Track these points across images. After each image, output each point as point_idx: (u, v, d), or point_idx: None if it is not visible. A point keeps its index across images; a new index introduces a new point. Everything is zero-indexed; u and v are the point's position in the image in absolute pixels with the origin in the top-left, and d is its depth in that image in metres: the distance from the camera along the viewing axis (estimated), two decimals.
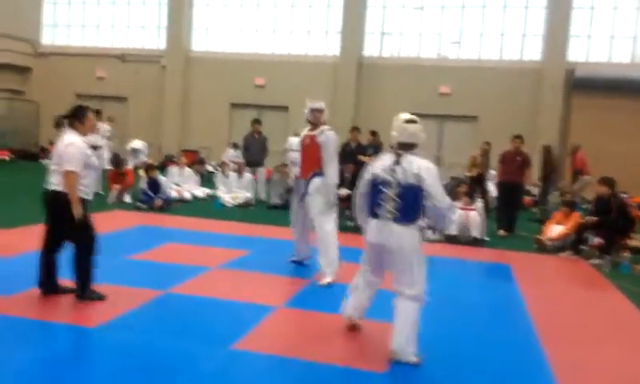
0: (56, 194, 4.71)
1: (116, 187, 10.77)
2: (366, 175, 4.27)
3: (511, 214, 9.86)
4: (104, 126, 14.88)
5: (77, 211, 4.64)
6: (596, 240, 8.52)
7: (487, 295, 6.14)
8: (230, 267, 6.47)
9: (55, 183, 4.74)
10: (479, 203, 9.50)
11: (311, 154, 6.09)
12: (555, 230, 8.85)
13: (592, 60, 17.06)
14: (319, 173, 6.04)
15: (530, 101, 16.83)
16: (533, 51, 17.48)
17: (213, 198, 11.77)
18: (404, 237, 4.02)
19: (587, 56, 17.17)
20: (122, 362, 3.80)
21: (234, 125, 19.21)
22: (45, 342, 4.04)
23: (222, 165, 13.08)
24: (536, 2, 17.38)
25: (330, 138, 6.05)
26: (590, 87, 16.35)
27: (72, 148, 4.71)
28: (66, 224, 4.69)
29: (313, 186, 6.04)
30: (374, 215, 4.13)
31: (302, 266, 6.55)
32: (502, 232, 9.65)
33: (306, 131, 6.28)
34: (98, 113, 16.18)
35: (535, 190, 14.79)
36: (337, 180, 6.10)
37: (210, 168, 16.58)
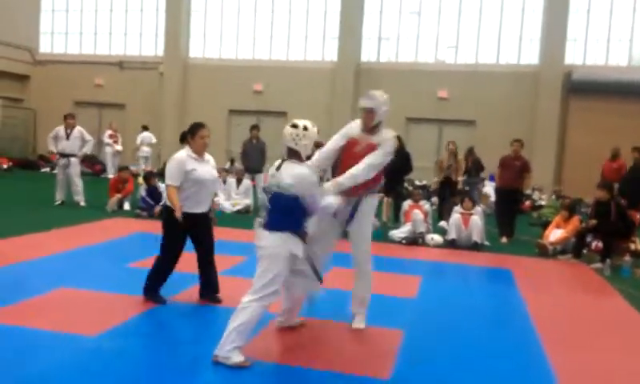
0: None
1: (116, 195, 10.76)
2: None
3: (511, 219, 9.84)
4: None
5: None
6: (596, 244, 8.55)
7: (489, 300, 6.13)
8: (230, 274, 6.43)
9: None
10: (479, 208, 9.50)
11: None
12: (556, 233, 8.84)
13: (589, 63, 17.10)
14: (373, 189, 4.72)
15: (528, 104, 16.86)
16: (530, 55, 17.53)
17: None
18: (269, 241, 3.90)
19: (584, 59, 17.21)
20: (122, 370, 3.78)
21: (232, 131, 19.21)
22: (44, 351, 4.01)
23: (220, 172, 13.06)
24: (532, 6, 17.44)
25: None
26: (587, 90, 16.40)
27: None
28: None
29: (366, 207, 4.67)
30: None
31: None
32: (504, 239, 9.60)
33: (357, 132, 4.70)
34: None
35: (536, 195, 14.82)
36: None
37: None
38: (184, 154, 5.08)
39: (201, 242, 5.25)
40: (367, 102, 4.65)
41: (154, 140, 17.67)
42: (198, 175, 5.02)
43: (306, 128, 3.98)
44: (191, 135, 5.11)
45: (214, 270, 5.37)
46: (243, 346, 3.86)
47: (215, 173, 5.35)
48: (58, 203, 10.87)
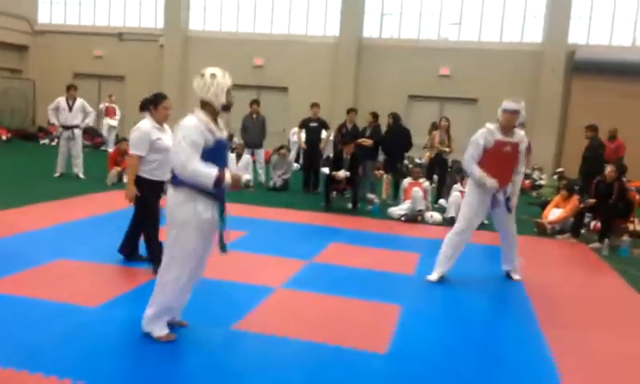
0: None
1: (115, 168, 10.73)
2: None
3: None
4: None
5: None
6: (595, 224, 8.56)
7: (487, 277, 6.16)
8: (229, 248, 6.45)
9: None
10: None
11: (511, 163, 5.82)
12: (555, 213, 8.86)
13: (592, 43, 16.95)
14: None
15: (530, 83, 16.74)
16: (533, 33, 17.36)
17: None
18: (170, 199, 3.69)
19: (588, 39, 17.06)
20: (123, 340, 3.82)
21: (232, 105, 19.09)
22: (45, 321, 4.04)
23: None
24: None
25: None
26: (590, 70, 16.27)
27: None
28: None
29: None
30: None
31: (300, 248, 6.54)
32: None
33: (499, 136, 5.72)
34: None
35: (536, 174, 14.81)
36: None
37: None
38: (148, 124, 5.22)
39: (156, 210, 5.31)
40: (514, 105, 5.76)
41: None
42: (163, 144, 5.14)
43: (214, 75, 3.74)
44: (154, 105, 5.26)
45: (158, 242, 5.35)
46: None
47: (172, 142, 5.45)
48: (57, 175, 10.86)
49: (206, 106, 3.70)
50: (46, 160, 11.99)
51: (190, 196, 3.61)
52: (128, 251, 5.61)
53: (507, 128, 5.69)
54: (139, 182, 5.19)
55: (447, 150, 10.84)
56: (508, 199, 5.77)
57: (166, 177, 5.10)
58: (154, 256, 5.15)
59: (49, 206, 8.05)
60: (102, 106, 16.81)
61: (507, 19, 17.55)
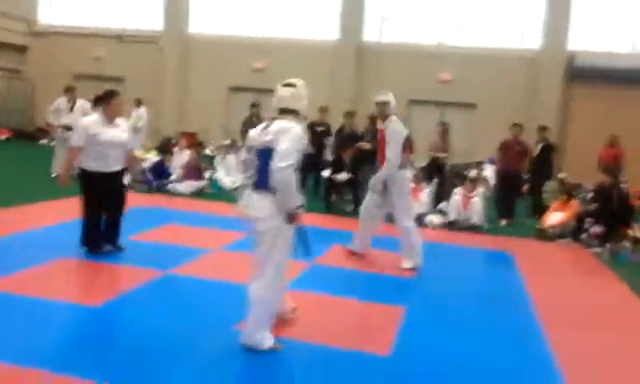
0: None
1: None
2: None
3: (511, 202, 9.86)
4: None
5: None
6: (595, 229, 8.56)
7: (488, 281, 6.16)
8: (231, 249, 6.46)
9: None
10: (480, 189, 9.49)
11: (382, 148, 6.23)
12: (555, 217, 8.87)
13: (592, 49, 17.00)
14: (402, 164, 6.22)
15: (529, 89, 16.78)
16: (533, 39, 17.41)
17: (212, 181, 11.71)
18: (259, 206, 3.65)
19: (587, 45, 17.10)
20: (123, 341, 3.79)
21: (232, 108, 19.09)
22: (47, 320, 4.02)
23: (220, 149, 13.07)
24: None
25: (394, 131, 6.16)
26: (589, 76, 16.30)
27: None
28: None
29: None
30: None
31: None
32: (504, 222, 9.61)
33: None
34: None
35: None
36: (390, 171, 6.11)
37: (208, 151, 16.49)
38: (93, 118, 5.57)
39: (108, 200, 5.64)
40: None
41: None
42: (102, 138, 5.42)
43: (304, 87, 3.89)
44: (107, 101, 5.51)
45: (118, 228, 5.79)
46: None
47: (125, 136, 5.69)
48: (54, 175, 10.82)
49: (291, 114, 3.75)
50: (45, 160, 11.95)
51: (273, 201, 3.64)
52: (88, 244, 5.66)
53: (380, 117, 6.40)
54: (81, 172, 5.53)
55: (443, 155, 10.94)
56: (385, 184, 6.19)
57: (108, 169, 5.50)
58: (87, 239, 5.54)
59: (49, 205, 8.01)
60: (136, 115, 16.17)
61: (507, 25, 17.60)
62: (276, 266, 3.71)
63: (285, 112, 3.79)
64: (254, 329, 3.72)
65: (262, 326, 3.73)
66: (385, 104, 6.22)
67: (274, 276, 3.71)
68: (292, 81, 3.89)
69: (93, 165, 5.47)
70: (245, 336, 3.75)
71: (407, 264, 6.11)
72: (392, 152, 6.03)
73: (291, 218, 3.67)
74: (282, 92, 3.84)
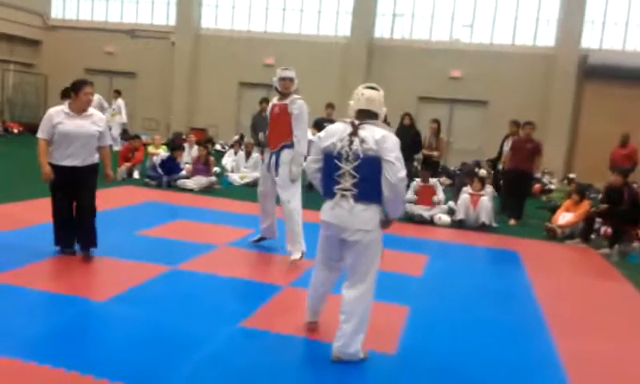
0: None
1: (125, 164, 10.80)
2: (316, 149, 3.77)
3: (520, 202, 9.78)
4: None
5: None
6: (605, 229, 8.50)
7: (496, 280, 6.12)
8: (238, 245, 6.48)
9: None
10: (489, 189, 9.44)
11: (281, 125, 5.85)
12: (565, 217, 8.80)
13: (606, 47, 16.83)
14: (289, 144, 5.84)
15: (542, 87, 16.66)
16: (546, 37, 17.27)
17: (221, 177, 11.75)
18: (364, 218, 3.58)
19: (601, 43, 16.94)
20: (129, 335, 3.81)
21: (242, 104, 19.14)
22: (53, 314, 4.06)
23: (234, 145, 13.13)
24: None
25: (303, 108, 5.84)
26: (603, 75, 16.15)
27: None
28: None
29: (283, 158, 5.85)
30: (331, 194, 3.66)
31: (308, 246, 6.52)
32: (512, 221, 9.53)
33: (274, 100, 6.07)
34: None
35: (546, 178, 14.72)
36: (305, 152, 5.70)
37: (218, 147, 16.55)
38: (58, 108, 5.25)
39: (75, 196, 5.30)
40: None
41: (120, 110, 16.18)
42: (65, 130, 5.10)
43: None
44: (75, 92, 5.21)
45: (87, 230, 5.33)
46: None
47: (95, 128, 5.29)
48: None
49: (375, 117, 3.64)
50: None
51: (377, 212, 3.61)
52: (58, 243, 5.41)
53: (283, 94, 6.01)
54: (50, 167, 5.18)
55: (434, 154, 10.95)
56: (277, 164, 5.89)
57: (75, 163, 5.15)
58: (56, 238, 5.32)
59: None
60: (115, 105, 16.23)
61: (520, 22, 17.47)
62: (375, 276, 3.73)
63: (368, 114, 3.63)
64: (350, 340, 3.64)
65: (360, 337, 3.70)
66: (291, 80, 6.02)
67: (373, 286, 3.73)
68: (374, 85, 3.75)
69: (58, 158, 5.15)
70: (340, 348, 3.65)
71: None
72: (301, 131, 5.86)
73: (388, 224, 3.67)
74: (371, 93, 3.65)
